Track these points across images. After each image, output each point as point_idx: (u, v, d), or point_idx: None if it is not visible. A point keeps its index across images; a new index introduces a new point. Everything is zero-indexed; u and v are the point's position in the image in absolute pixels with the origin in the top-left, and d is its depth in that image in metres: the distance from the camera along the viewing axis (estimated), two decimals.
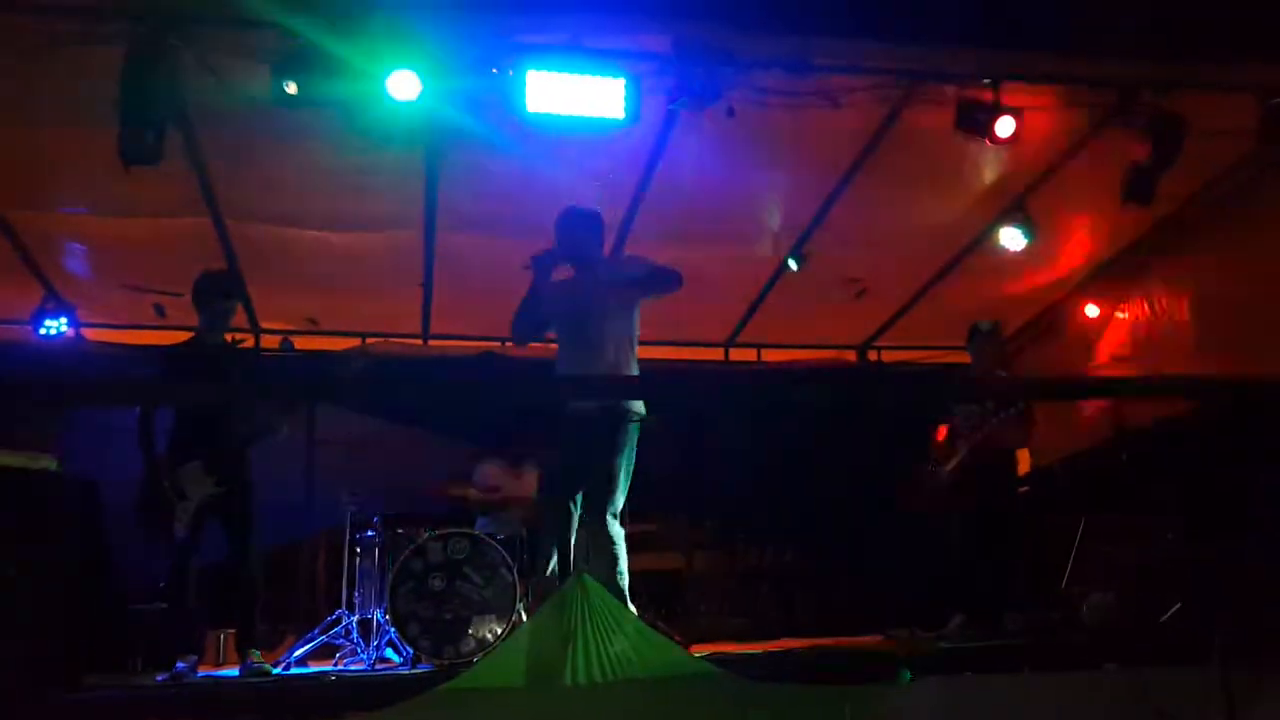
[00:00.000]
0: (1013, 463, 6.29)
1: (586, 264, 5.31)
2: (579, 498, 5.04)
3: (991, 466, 6.15)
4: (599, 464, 5.00)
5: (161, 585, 5.31)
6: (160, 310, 7.26)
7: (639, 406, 5.12)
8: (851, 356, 9.01)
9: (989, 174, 6.59)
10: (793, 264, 7.25)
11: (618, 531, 4.98)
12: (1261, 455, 6.05)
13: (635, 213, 6.77)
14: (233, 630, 5.42)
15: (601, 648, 3.64)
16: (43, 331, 7.06)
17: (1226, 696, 4.06)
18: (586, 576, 3.95)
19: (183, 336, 5.62)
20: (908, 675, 4.74)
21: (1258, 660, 4.17)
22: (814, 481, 7.84)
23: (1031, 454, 6.80)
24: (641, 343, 8.31)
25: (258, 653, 5.06)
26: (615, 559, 4.94)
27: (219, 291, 5.49)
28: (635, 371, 5.24)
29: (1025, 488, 7.25)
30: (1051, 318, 8.43)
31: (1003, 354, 6.52)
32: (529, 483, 7.04)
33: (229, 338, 5.56)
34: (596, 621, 3.70)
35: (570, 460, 5.08)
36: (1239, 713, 4.01)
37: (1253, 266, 6.57)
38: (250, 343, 7.68)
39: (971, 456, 6.14)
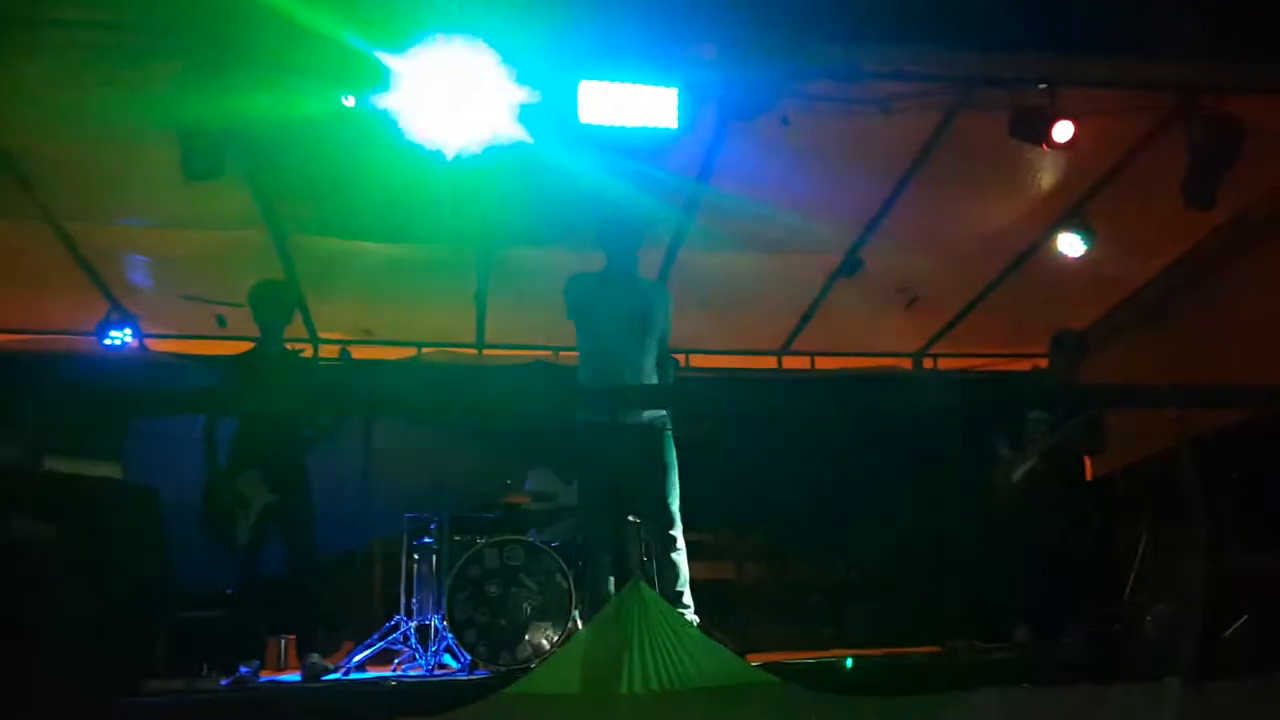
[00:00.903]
0: (1083, 471, 6.20)
1: (627, 273, 5.31)
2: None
3: (1062, 474, 6.06)
4: (651, 477, 5.01)
5: (228, 592, 5.38)
6: (222, 321, 7.38)
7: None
8: (907, 365, 8.94)
9: (1045, 179, 6.51)
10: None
11: (681, 542, 5.01)
12: None
13: (690, 222, 6.77)
14: (293, 636, 5.49)
15: (658, 656, 3.64)
16: (108, 342, 7.20)
17: None
18: (643, 584, 3.95)
19: (244, 346, 5.71)
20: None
21: None
22: (868, 490, 7.79)
23: (1093, 463, 6.68)
24: (695, 351, 8.40)
25: (318, 655, 5.12)
26: (679, 570, 4.99)
27: (276, 300, 5.56)
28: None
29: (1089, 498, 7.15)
30: (1110, 324, 8.29)
31: (1079, 363, 6.42)
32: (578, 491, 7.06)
33: (290, 348, 5.65)
34: (653, 630, 3.71)
35: (618, 473, 5.05)
36: None
37: None
38: (309, 353, 7.81)
39: (1044, 462, 6.06)
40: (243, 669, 4.95)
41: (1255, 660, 4.28)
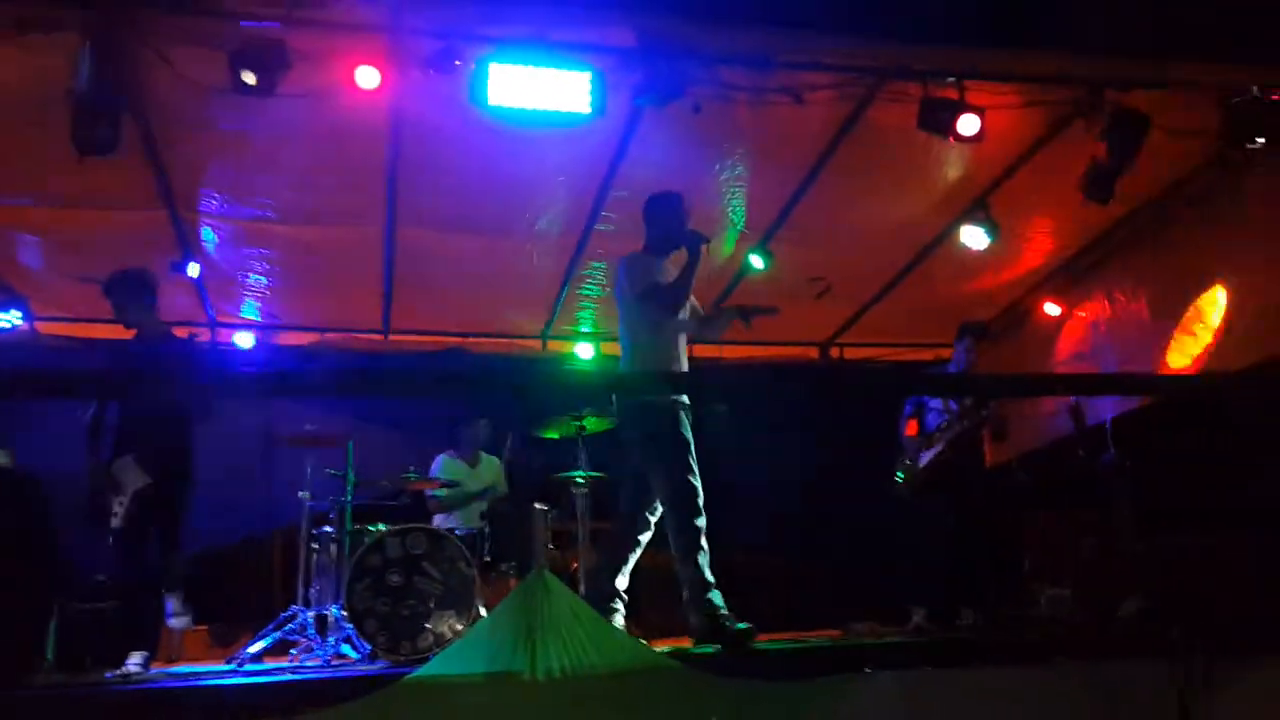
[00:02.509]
0: (982, 458, 6.33)
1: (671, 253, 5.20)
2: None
3: (965, 462, 6.18)
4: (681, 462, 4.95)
5: (100, 580, 5.21)
6: None
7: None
8: (814, 354, 9.03)
9: (952, 172, 6.62)
10: (757, 261, 7.25)
11: None
12: (1216, 450, 6.15)
13: (600, 207, 6.74)
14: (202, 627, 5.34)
15: (562, 642, 3.60)
16: None
17: (1179, 689, 4.11)
18: (547, 571, 3.92)
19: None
20: None
21: (1210, 653, 4.22)
22: (773, 476, 7.84)
23: (992, 449, 6.83)
24: (610, 339, 8.38)
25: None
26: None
27: (145, 287, 5.39)
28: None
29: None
30: (1012, 315, 8.49)
31: (981, 353, 6.54)
32: (485, 477, 6.99)
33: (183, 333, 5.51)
34: (557, 616, 3.67)
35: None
36: (1191, 704, 4.05)
37: (1208, 265, 6.66)
38: (206, 336, 7.61)
39: (948, 449, 6.16)
40: (129, 662, 4.79)
41: (1148, 640, 4.40)
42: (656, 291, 5.01)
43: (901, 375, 8.12)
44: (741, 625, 4.67)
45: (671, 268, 5.11)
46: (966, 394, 6.15)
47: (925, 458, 6.27)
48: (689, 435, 4.99)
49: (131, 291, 5.33)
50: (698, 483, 4.94)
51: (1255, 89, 5.70)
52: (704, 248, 4.96)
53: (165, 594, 5.11)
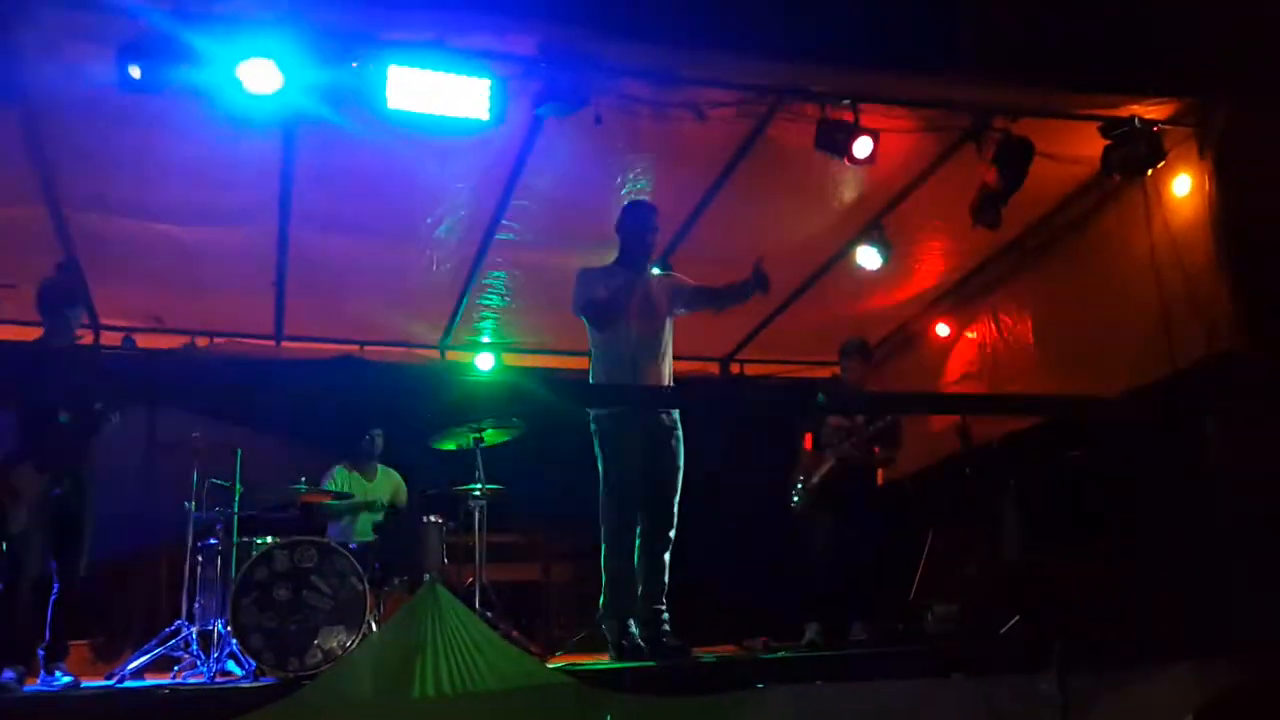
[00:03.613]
0: (874, 475, 6.43)
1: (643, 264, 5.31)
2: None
3: (857, 479, 6.26)
4: (667, 476, 5.09)
5: None
6: None
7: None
8: (714, 369, 9.10)
9: (849, 193, 6.74)
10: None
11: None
12: (1095, 468, 6.36)
13: (501, 215, 6.68)
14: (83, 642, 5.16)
15: (452, 658, 3.56)
16: None
17: (1063, 703, 4.23)
18: (439, 586, 3.86)
19: (18, 331, 5.34)
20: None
21: (1091, 667, 4.36)
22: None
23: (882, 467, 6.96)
24: (511, 349, 8.32)
25: (63, 668, 4.85)
26: (666, 569, 5.14)
27: (68, 299, 5.28)
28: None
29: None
30: (905, 335, 8.69)
31: (868, 370, 6.65)
32: (380, 489, 6.87)
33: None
34: (448, 632, 3.63)
35: (640, 473, 5.07)
36: (1074, 717, 4.18)
37: (1089, 290, 6.89)
38: (89, 339, 7.32)
39: (840, 467, 6.24)
40: (5, 674, 4.58)
41: (1030, 656, 4.52)
42: (589, 308, 5.15)
43: (798, 392, 8.22)
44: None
45: (645, 280, 5.23)
46: (858, 412, 6.25)
47: (818, 473, 6.35)
48: (605, 451, 5.13)
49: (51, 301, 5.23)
50: (613, 501, 5.07)
51: (1136, 120, 5.92)
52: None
53: (52, 661, 4.93)
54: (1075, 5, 5.59)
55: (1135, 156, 6.00)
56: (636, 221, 5.33)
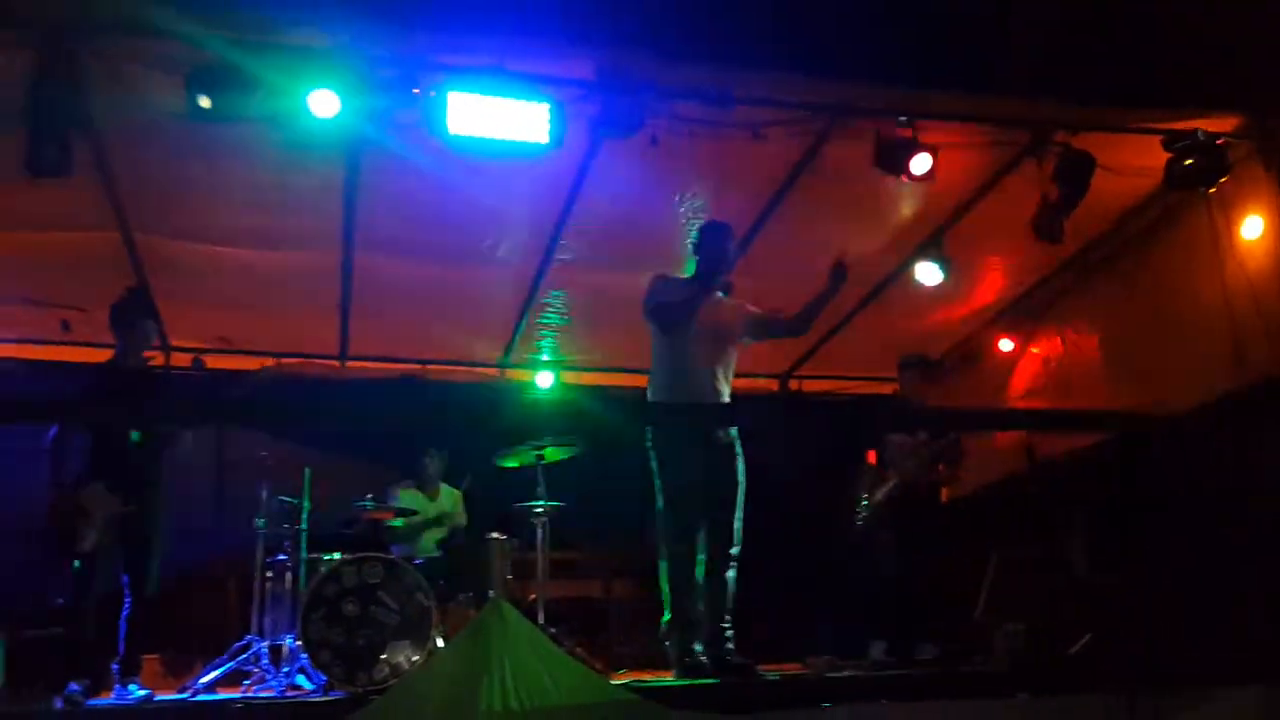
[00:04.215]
0: (937, 493, 6.38)
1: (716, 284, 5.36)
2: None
3: (920, 497, 6.22)
4: (727, 494, 5.09)
5: (60, 604, 5.12)
6: (66, 325, 7.03)
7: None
8: (774, 385, 9.09)
9: (907, 209, 6.72)
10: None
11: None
12: (1165, 485, 6.25)
13: (560, 236, 6.76)
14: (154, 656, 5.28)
15: (518, 674, 3.59)
16: None
17: None
18: (504, 602, 3.91)
19: (88, 353, 5.49)
20: None
21: (1160, 688, 4.29)
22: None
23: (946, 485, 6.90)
24: (568, 367, 8.38)
25: (136, 682, 4.96)
26: (731, 588, 5.12)
27: (142, 313, 5.41)
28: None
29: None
30: (966, 351, 8.61)
31: (929, 386, 6.60)
32: (443, 507, 6.95)
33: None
34: (514, 648, 3.66)
35: (698, 491, 5.08)
36: None
37: (1156, 304, 6.79)
38: (160, 361, 7.50)
39: (903, 486, 6.20)
40: (71, 687, 4.71)
41: (1099, 676, 4.46)
42: (659, 310, 5.20)
43: (861, 409, 8.18)
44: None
45: (716, 300, 5.28)
46: (921, 428, 6.21)
47: (881, 491, 6.32)
48: (662, 468, 5.14)
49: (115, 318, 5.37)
50: (670, 519, 5.08)
51: (1199, 133, 5.84)
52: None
53: (126, 675, 5.04)
54: (1136, 18, 5.54)
55: (1199, 170, 5.91)
56: (715, 242, 5.36)
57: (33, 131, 4.89)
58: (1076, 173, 5.92)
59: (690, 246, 5.43)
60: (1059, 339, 7.75)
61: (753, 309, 5.50)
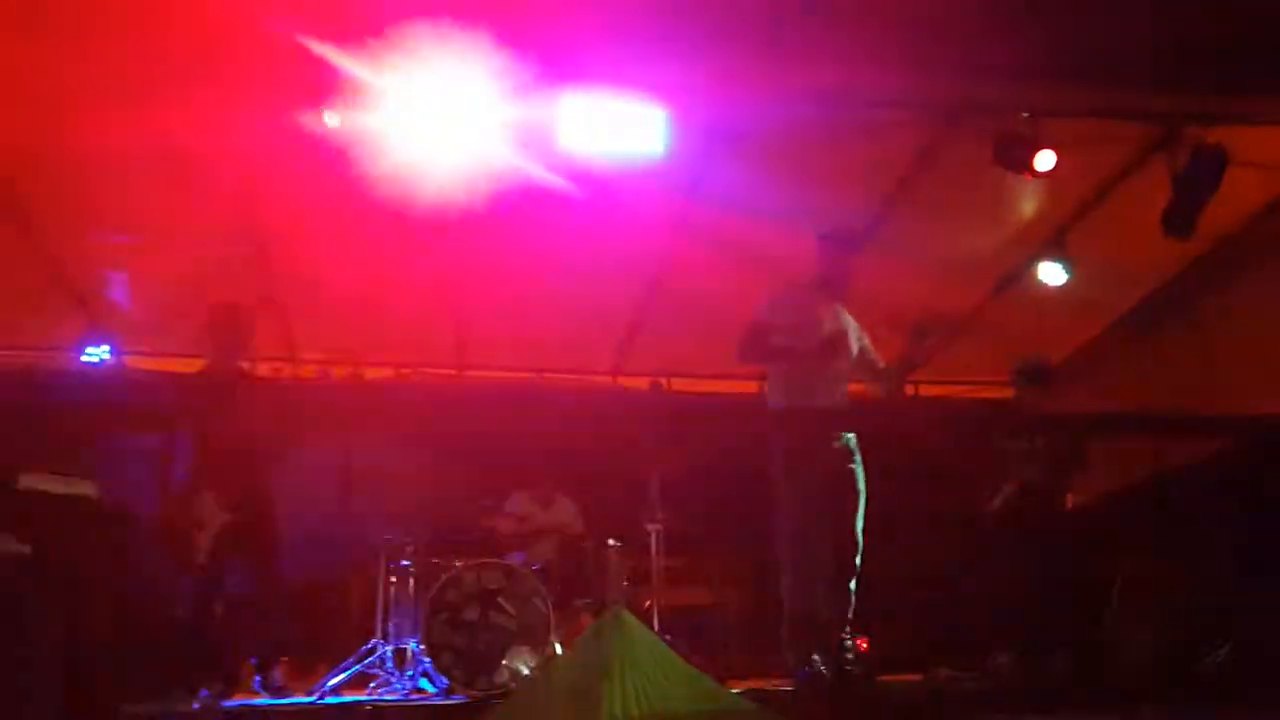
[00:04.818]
0: (1060, 499, 6.20)
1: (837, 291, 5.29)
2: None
3: (1041, 503, 6.06)
4: (847, 503, 5.02)
5: (180, 614, 5.30)
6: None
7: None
8: None
9: (1028, 207, 6.55)
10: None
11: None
12: None
13: (672, 244, 6.77)
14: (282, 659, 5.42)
15: (639, 681, 3.59)
16: (85, 359, 7.12)
17: None
18: (623, 609, 3.92)
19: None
20: None
21: None
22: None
23: (1074, 490, 6.69)
24: (681, 375, 8.38)
25: (276, 676, 5.08)
26: (852, 599, 5.01)
27: (233, 323, 5.51)
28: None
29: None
30: (1091, 353, 8.33)
31: (1045, 391, 6.41)
32: (558, 514, 7.01)
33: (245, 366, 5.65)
34: (634, 655, 3.66)
35: (823, 498, 5.00)
36: None
37: None
38: (287, 371, 7.75)
39: (1022, 492, 6.06)
40: (202, 692, 4.88)
41: (1235, 689, 4.28)
42: (742, 337, 5.10)
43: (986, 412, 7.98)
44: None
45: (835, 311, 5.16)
46: (1048, 432, 6.05)
47: (1000, 497, 6.17)
48: (779, 471, 5.03)
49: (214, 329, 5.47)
50: (790, 528, 4.99)
51: None
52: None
53: (264, 671, 5.19)
54: (1268, 5, 5.30)
55: None
56: (836, 248, 5.26)
57: None
58: (1209, 167, 5.70)
59: (819, 255, 5.29)
60: (1188, 340, 7.45)
61: (863, 339, 5.33)
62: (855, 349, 5.25)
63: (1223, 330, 7.15)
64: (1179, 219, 5.94)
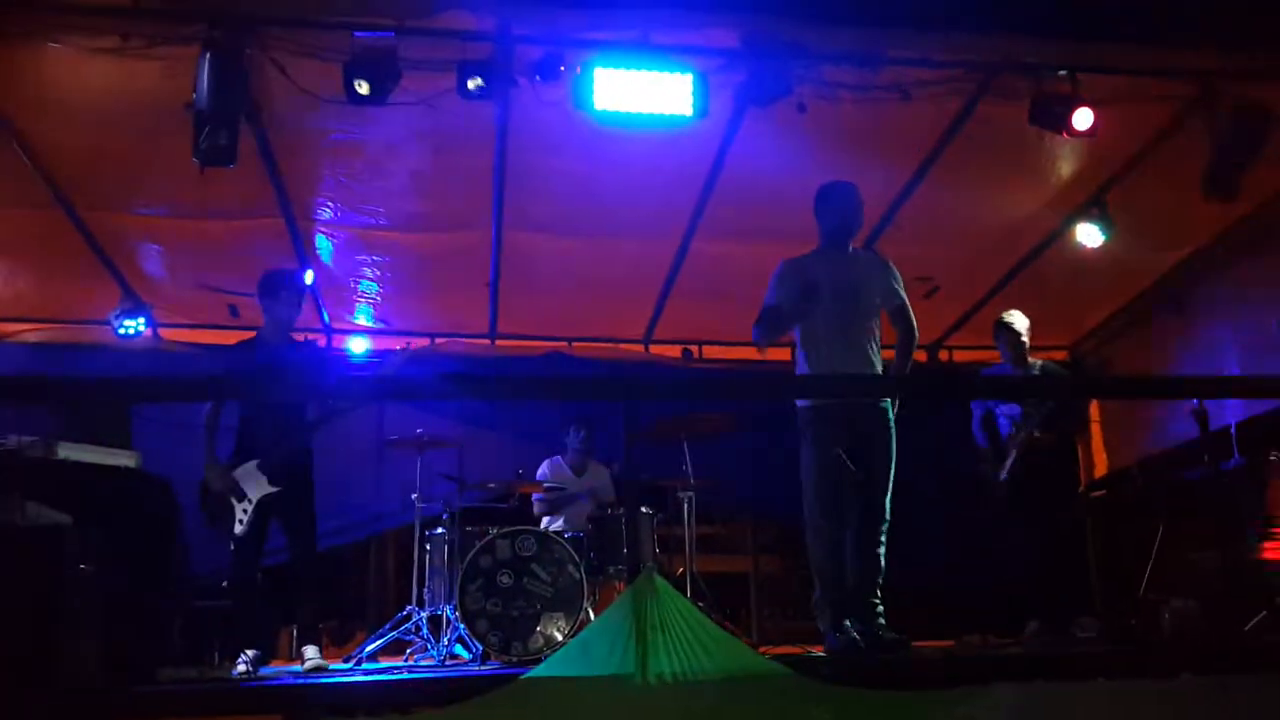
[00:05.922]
0: (1071, 462, 6.13)
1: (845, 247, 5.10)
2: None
3: (1045, 467, 5.99)
4: (877, 470, 4.92)
5: (224, 584, 5.37)
6: (235, 311, 7.37)
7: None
8: (921, 357, 8.86)
9: (1066, 168, 6.45)
10: None
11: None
12: None
13: (703, 208, 6.72)
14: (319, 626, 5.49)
15: (673, 646, 3.60)
16: (121, 331, 7.19)
17: None
18: (657, 575, 3.93)
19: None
20: None
21: None
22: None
23: (1108, 455, 6.63)
24: (708, 342, 8.34)
25: (314, 649, 5.11)
26: (882, 566, 4.95)
27: (284, 287, 5.50)
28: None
29: (1102, 490, 7.07)
30: (1130, 316, 8.22)
31: (1021, 349, 6.28)
32: (591, 481, 7.04)
33: (298, 338, 5.65)
34: (668, 619, 3.67)
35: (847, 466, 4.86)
36: None
37: None
38: (322, 342, 7.80)
39: (1021, 461, 5.99)
40: (241, 659, 4.95)
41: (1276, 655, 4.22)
42: (762, 314, 4.98)
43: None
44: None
45: (832, 262, 4.99)
46: (1084, 398, 5.97)
47: (1005, 467, 6.10)
48: (810, 443, 4.94)
49: (263, 292, 5.47)
50: (817, 494, 4.91)
51: None
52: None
53: (304, 641, 5.21)
54: None
55: None
56: (836, 202, 5.03)
57: (201, 124, 5.10)
58: (1250, 126, 5.58)
59: (814, 213, 5.10)
60: (1230, 303, 7.31)
61: (896, 288, 5.13)
62: (881, 293, 5.07)
63: (1266, 292, 7.01)
64: (1220, 180, 5.82)
